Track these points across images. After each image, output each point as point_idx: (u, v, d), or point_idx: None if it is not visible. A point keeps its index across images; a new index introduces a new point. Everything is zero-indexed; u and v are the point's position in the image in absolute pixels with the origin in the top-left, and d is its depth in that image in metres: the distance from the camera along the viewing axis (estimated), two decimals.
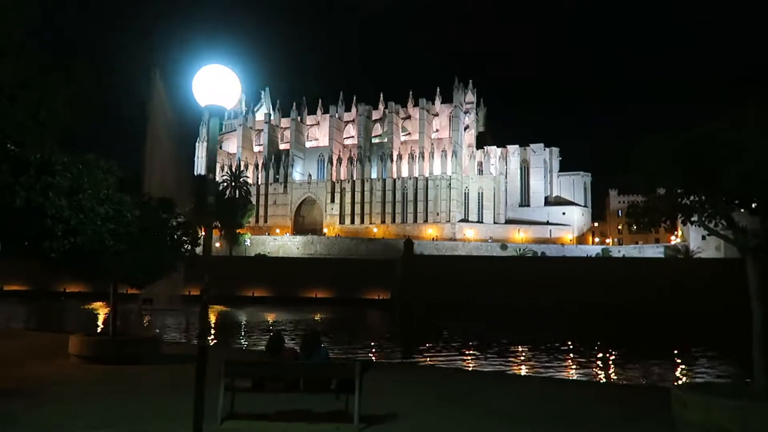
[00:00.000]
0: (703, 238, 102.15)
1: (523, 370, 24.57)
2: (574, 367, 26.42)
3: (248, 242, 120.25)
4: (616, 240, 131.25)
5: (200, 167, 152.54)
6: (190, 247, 15.32)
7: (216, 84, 5.86)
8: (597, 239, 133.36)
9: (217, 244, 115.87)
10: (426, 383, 14.20)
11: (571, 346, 33.68)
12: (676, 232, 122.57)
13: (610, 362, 28.15)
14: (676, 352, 32.09)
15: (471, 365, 25.53)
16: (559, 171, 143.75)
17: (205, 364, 5.78)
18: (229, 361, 8.03)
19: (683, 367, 27.12)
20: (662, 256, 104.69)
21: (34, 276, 71.15)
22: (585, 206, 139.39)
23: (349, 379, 7.88)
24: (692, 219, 8.09)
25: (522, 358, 29.19)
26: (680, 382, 21.77)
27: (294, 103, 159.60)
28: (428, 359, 28.16)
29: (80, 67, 8.90)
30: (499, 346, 33.32)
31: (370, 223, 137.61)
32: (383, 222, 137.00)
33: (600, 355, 30.56)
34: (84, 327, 39.60)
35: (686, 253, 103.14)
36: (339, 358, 22.50)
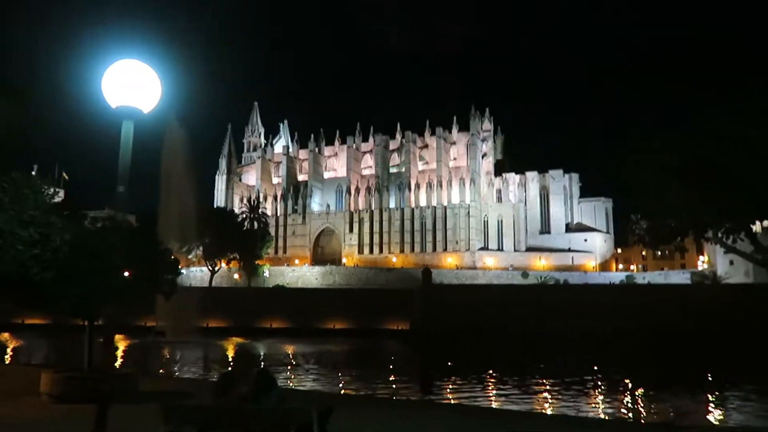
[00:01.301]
0: (731, 263, 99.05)
1: (543, 406, 23.23)
2: (594, 401, 24.95)
3: (267, 273, 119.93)
4: (640, 266, 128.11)
5: (220, 200, 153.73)
6: (171, 276, 14.42)
7: (131, 83, 5.15)
8: (621, 266, 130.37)
9: (236, 276, 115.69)
10: (417, 424, 13.10)
11: (596, 378, 32.12)
12: (702, 258, 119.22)
13: (636, 395, 26.59)
14: (710, 382, 30.34)
15: (483, 400, 24.26)
16: (580, 197, 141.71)
17: (106, 409, 4.98)
18: (169, 405, 7.18)
19: (715, 399, 25.45)
20: (688, 282, 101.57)
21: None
22: (607, 232, 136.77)
23: (307, 426, 6.98)
24: (706, 235, 7.13)
25: (540, 391, 27.78)
26: (702, 424, 20.21)
27: (312, 135, 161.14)
28: (441, 394, 26.94)
29: (5, 88, 8.30)
30: (519, 378, 31.93)
31: (389, 253, 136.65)
32: (402, 251, 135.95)
33: (624, 386, 28.97)
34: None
35: (714, 278, 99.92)
36: (322, 392, 21.35)
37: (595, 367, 35.81)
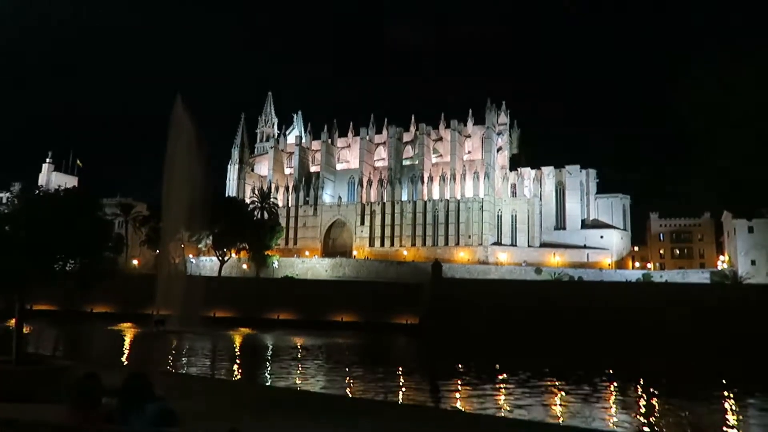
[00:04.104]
0: (753, 263, 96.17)
1: (547, 412, 21.65)
2: (601, 404, 23.29)
3: (276, 264, 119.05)
4: (657, 265, 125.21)
5: (231, 190, 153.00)
6: (111, 255, 12.82)
7: None
8: (637, 264, 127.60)
9: (245, 266, 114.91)
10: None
11: (610, 379, 30.43)
12: (722, 257, 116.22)
13: (651, 401, 24.91)
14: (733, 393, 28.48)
15: (483, 403, 22.73)
16: (597, 193, 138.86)
17: None
18: (6, 420, 5.70)
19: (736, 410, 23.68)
20: (708, 281, 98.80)
21: (63, 295, 70.29)
22: (624, 230, 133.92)
23: None
24: None
25: (548, 394, 26.18)
26: None
27: (325, 126, 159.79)
28: (440, 396, 25.46)
29: None
30: (525, 377, 30.35)
31: (401, 246, 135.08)
32: (413, 245, 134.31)
33: (637, 390, 27.28)
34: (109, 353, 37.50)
35: (734, 278, 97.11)
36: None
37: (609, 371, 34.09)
